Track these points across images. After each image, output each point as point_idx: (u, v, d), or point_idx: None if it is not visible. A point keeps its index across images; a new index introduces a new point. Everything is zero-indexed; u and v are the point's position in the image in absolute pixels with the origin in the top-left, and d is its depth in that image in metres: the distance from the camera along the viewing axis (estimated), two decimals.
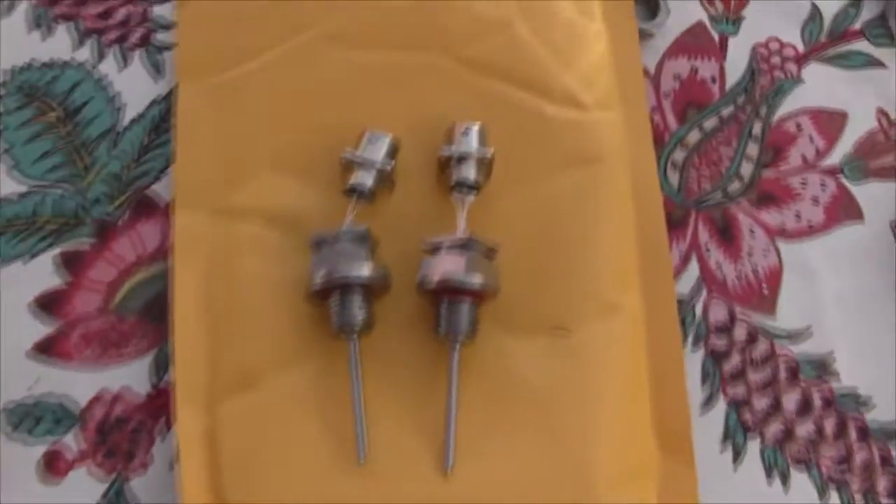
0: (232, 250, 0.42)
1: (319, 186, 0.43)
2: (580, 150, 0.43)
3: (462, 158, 0.41)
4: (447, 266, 0.40)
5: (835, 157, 0.46)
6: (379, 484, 0.40)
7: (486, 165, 0.41)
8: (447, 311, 0.40)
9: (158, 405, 0.41)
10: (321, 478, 0.40)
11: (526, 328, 0.41)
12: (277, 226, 0.43)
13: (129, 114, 0.45)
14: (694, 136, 0.46)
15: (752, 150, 0.46)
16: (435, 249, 0.40)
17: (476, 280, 0.39)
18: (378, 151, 0.42)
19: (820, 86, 0.47)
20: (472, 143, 0.42)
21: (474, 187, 0.41)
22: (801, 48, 0.49)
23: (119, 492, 0.40)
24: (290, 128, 0.44)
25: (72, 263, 0.43)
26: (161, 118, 0.45)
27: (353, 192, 0.42)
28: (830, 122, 0.47)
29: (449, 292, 0.40)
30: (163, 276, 0.43)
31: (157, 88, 0.46)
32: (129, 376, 0.42)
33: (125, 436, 0.41)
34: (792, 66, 0.48)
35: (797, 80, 0.48)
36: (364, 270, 0.40)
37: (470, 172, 0.41)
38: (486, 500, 0.39)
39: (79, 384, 0.42)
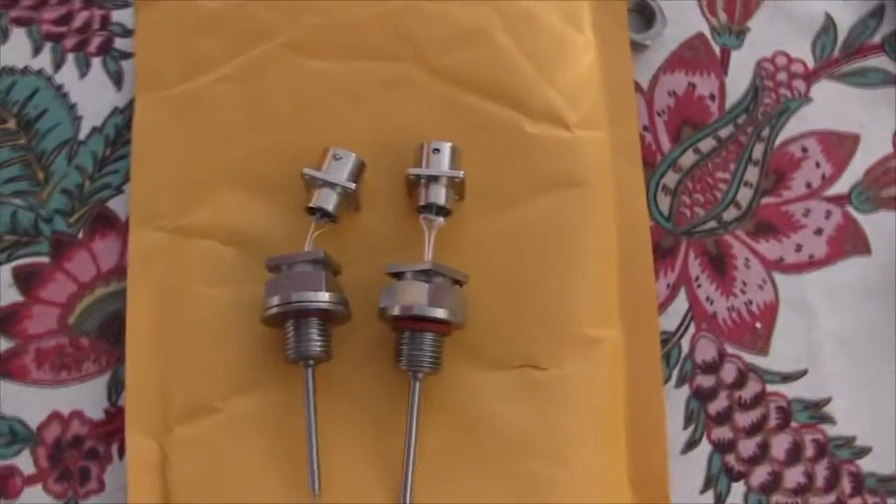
0: (187, 271, 0.41)
1: (280, 205, 0.41)
2: (562, 173, 0.41)
3: (431, 180, 0.39)
4: (410, 295, 0.37)
5: (843, 185, 0.44)
6: None
7: (457, 187, 0.40)
8: (409, 342, 0.38)
9: (115, 427, 0.40)
10: None
11: (495, 362, 0.39)
12: (235, 246, 0.41)
13: (88, 124, 0.44)
14: (688, 159, 0.44)
15: (752, 174, 0.44)
16: (398, 276, 0.38)
17: (440, 311, 0.37)
18: (342, 171, 0.39)
19: (830, 105, 0.44)
20: (442, 163, 0.39)
21: (444, 211, 0.39)
22: (811, 64, 0.45)
23: None
24: (250, 143, 0.42)
25: (27, 280, 0.42)
26: (121, 129, 0.44)
27: (314, 212, 0.40)
28: (840, 145, 0.44)
29: (411, 322, 0.38)
30: (121, 294, 0.41)
31: (118, 98, 0.44)
32: (85, 397, 0.41)
33: (79, 457, 0.41)
34: (800, 84, 0.45)
35: (805, 99, 0.45)
36: (321, 297, 0.37)
37: (440, 195, 0.39)
38: None
39: (32, 404, 0.41)
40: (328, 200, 0.39)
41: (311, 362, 0.38)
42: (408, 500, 0.38)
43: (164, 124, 0.42)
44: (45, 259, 0.42)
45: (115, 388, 0.41)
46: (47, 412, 0.41)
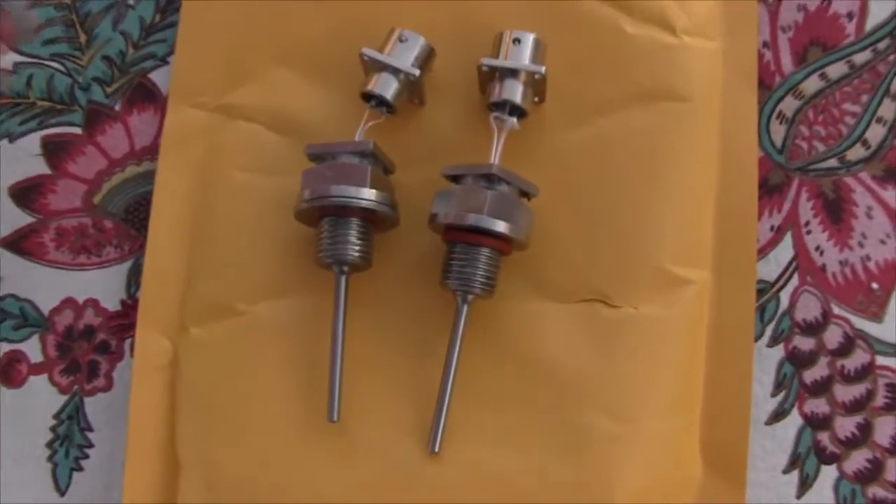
0: (225, 154, 0.37)
1: (335, 91, 0.37)
2: (662, 84, 0.36)
3: (508, 73, 0.34)
4: (467, 202, 0.33)
5: None
6: (350, 450, 0.34)
7: (537, 86, 0.35)
8: (460, 257, 0.33)
9: (130, 321, 0.38)
10: (283, 433, 0.35)
11: (559, 293, 0.35)
12: (280, 131, 0.37)
13: None
14: (812, 85, 0.38)
15: (888, 110, 0.38)
16: (456, 179, 0.34)
17: (500, 224, 0.32)
18: (407, 55, 0.35)
19: None
20: (523, 56, 0.34)
21: (519, 111, 0.34)
22: None
23: (77, 409, 0.38)
24: (309, 18, 0.37)
25: (56, 151, 0.39)
26: None
27: (369, 99, 0.35)
28: None
29: (465, 234, 0.33)
30: (152, 175, 0.38)
31: None
32: (103, 285, 0.39)
33: (90, 350, 0.38)
34: None
35: None
36: (364, 194, 0.33)
37: (515, 91, 0.34)
38: (476, 497, 0.34)
39: (46, 286, 0.39)
40: (387, 87, 0.34)
41: (346, 268, 0.34)
42: (438, 442, 0.33)
43: None
44: (77, 130, 0.40)
45: (136, 278, 0.38)
46: (61, 297, 0.39)
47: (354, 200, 0.33)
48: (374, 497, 0.34)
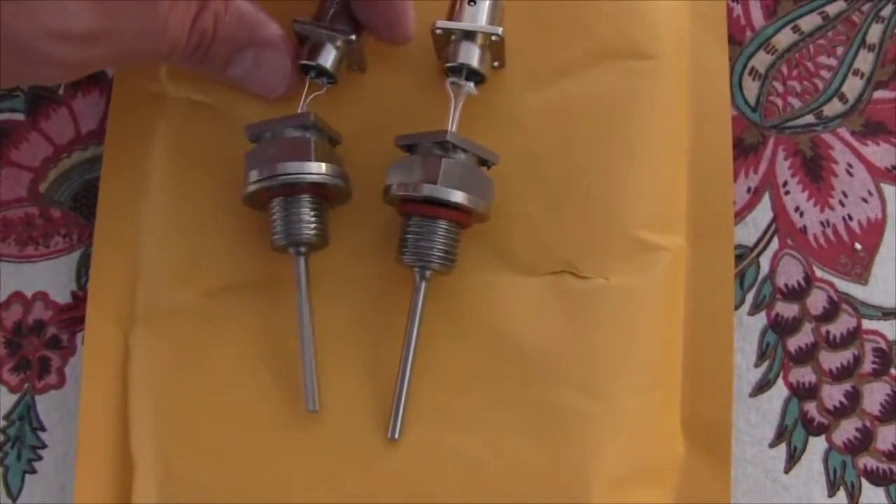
0: (171, 136, 0.36)
1: None
2: (625, 41, 0.35)
3: (464, 36, 0.33)
4: (421, 171, 0.31)
5: None
6: (310, 441, 0.33)
7: (495, 49, 0.34)
8: (416, 230, 0.32)
9: (82, 314, 0.36)
10: (243, 428, 0.33)
11: (525, 266, 0.34)
12: (227, 110, 0.35)
13: None
14: (785, 38, 0.37)
15: (864, 61, 0.37)
16: (410, 149, 0.32)
17: (457, 194, 0.31)
18: (342, 19, 0.33)
19: None
20: (479, 17, 0.33)
21: (477, 76, 0.33)
22: None
23: (28, 408, 0.36)
24: None
25: None
26: None
27: (308, 70, 0.33)
28: None
29: (421, 206, 0.31)
30: (100, 161, 0.37)
31: None
32: (52, 277, 0.37)
33: (40, 346, 0.37)
34: None
35: None
36: (311, 168, 0.31)
37: (472, 55, 0.33)
38: (442, 485, 0.32)
39: None
40: (325, 56, 0.33)
41: (304, 249, 0.32)
42: (398, 428, 0.32)
43: None
44: (19, 116, 0.38)
45: (86, 269, 0.37)
46: (8, 292, 0.37)
47: (303, 176, 0.31)
48: (337, 489, 0.32)
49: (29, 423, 0.36)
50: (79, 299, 0.36)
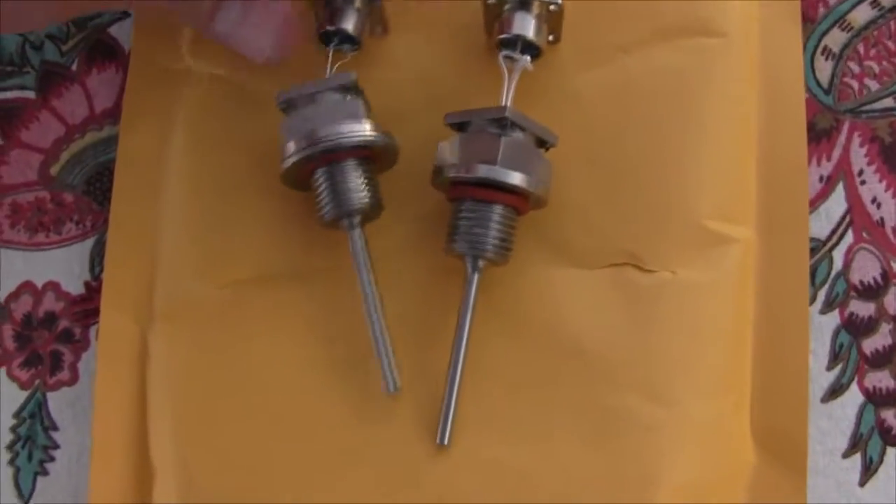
0: (194, 113, 0.34)
1: None
2: (692, 18, 0.33)
3: (519, 6, 0.31)
4: (476, 151, 0.29)
5: None
6: (348, 447, 0.31)
7: (553, 22, 0.32)
8: (469, 216, 0.30)
9: (95, 305, 0.35)
10: (274, 430, 0.31)
11: (585, 258, 0.32)
12: (251, 84, 0.34)
13: None
14: (862, 14, 0.36)
15: None
16: (462, 127, 0.30)
17: (515, 175, 0.29)
18: None
19: None
20: None
21: (533, 49, 0.31)
22: None
23: (39, 405, 0.35)
24: None
25: (7, 118, 0.37)
26: None
27: (329, 39, 0.32)
28: None
29: (474, 189, 0.29)
30: (116, 142, 0.35)
31: None
32: (64, 266, 0.36)
33: (51, 339, 0.35)
34: None
35: None
36: (361, 128, 0.30)
37: (528, 26, 0.31)
38: (493, 497, 0.30)
39: (1, 270, 0.36)
40: (347, 19, 0.31)
41: (357, 219, 0.30)
42: (448, 433, 0.30)
43: None
44: (30, 94, 0.37)
45: (100, 258, 0.36)
46: (18, 282, 0.36)
47: (350, 138, 0.29)
48: (376, 500, 0.30)
49: (40, 422, 0.34)
50: (92, 290, 0.35)
